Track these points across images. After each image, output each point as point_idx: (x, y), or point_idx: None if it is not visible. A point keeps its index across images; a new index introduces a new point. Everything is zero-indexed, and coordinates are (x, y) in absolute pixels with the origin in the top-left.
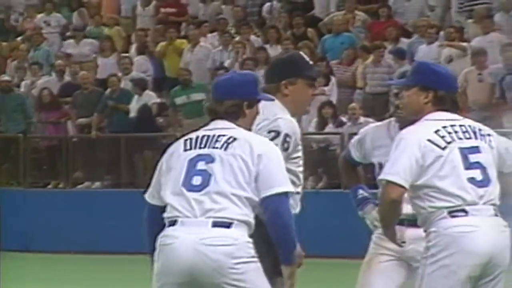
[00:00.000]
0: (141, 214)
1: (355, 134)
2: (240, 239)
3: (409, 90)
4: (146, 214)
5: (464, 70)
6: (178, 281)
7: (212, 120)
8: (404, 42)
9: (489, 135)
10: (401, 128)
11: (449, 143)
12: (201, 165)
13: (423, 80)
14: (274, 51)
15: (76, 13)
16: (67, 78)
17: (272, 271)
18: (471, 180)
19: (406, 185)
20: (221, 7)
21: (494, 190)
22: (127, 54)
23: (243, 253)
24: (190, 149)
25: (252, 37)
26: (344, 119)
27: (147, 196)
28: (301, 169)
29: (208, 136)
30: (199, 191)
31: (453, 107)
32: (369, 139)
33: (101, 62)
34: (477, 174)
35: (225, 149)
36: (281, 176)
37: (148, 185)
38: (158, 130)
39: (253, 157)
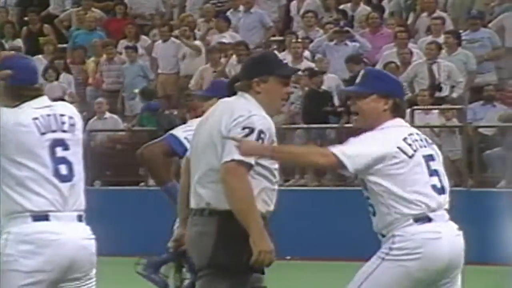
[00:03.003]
0: None
1: (100, 130)
2: None
3: None
4: None
5: (200, 67)
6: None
7: None
8: (144, 39)
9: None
10: None
11: None
12: None
13: None
14: (11, 46)
15: None
16: None
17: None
18: (434, 187)
19: None
20: None
21: (447, 196)
22: None
23: None
24: None
25: None
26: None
27: None
28: (276, 166)
29: None
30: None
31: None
32: None
33: None
34: (437, 181)
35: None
36: None
37: None
38: None
39: None
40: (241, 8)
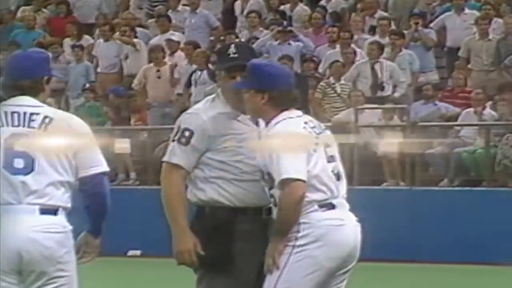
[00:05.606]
0: None
1: None
2: (67, 227)
3: None
4: None
5: (143, 67)
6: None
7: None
8: (86, 38)
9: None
10: None
11: None
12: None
13: None
14: None
15: None
16: None
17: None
18: (332, 173)
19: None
20: None
21: (344, 184)
22: None
23: (69, 242)
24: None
25: None
26: None
27: None
28: (237, 158)
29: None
30: (25, 174)
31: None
32: None
33: None
34: (334, 167)
35: (44, 129)
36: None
37: None
38: None
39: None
40: (181, 8)
